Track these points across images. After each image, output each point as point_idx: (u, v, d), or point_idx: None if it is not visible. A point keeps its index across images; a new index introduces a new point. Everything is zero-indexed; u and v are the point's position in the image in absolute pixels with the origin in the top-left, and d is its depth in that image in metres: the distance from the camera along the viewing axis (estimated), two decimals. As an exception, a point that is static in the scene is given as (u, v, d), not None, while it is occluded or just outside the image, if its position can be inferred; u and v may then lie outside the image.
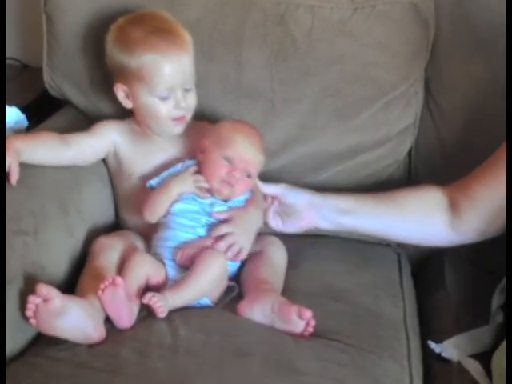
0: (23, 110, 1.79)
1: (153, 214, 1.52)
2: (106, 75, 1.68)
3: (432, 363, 1.43)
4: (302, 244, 1.67)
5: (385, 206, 1.53)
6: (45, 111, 1.79)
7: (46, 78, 1.76)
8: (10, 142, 1.44)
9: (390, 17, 1.62)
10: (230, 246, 1.46)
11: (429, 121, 1.73)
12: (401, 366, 1.37)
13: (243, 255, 1.48)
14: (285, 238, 1.59)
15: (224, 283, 1.46)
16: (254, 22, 1.62)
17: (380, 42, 1.63)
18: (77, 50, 1.70)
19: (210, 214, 1.51)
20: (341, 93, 1.66)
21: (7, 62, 2.05)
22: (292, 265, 1.57)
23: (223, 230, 1.47)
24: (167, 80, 1.50)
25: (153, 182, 1.54)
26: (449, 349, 1.41)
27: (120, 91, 1.56)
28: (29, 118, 1.77)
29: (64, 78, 1.74)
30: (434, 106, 1.73)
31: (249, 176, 1.52)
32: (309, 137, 1.70)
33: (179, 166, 1.55)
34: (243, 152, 1.50)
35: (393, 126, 1.71)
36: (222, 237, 1.47)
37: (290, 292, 1.47)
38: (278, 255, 1.55)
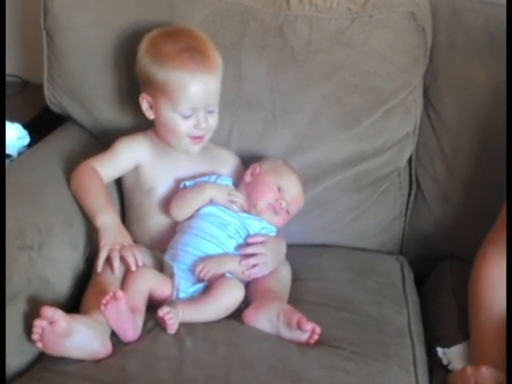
0: (25, 126, 1.80)
1: (181, 211, 1.53)
2: (106, 90, 1.70)
3: (437, 369, 1.43)
4: (305, 254, 1.68)
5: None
6: (46, 127, 1.80)
7: (47, 94, 1.76)
8: None
9: (387, 26, 1.63)
10: (255, 265, 1.48)
11: (428, 128, 1.74)
12: (407, 372, 1.37)
13: (257, 276, 1.49)
14: (288, 248, 1.59)
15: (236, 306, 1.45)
16: (252, 33, 1.64)
17: (378, 51, 1.64)
18: (77, 66, 1.71)
19: (243, 223, 1.53)
20: (340, 102, 1.67)
21: (8, 78, 2.06)
22: (296, 275, 1.58)
23: (259, 249, 1.50)
24: (191, 100, 1.51)
25: (187, 183, 1.56)
26: (454, 358, 1.41)
27: (144, 101, 1.56)
28: (31, 134, 1.78)
29: (64, 93, 1.74)
30: (433, 113, 1.74)
31: (287, 212, 1.57)
32: (309, 147, 1.71)
33: (214, 178, 1.59)
34: (295, 188, 1.60)
35: (393, 134, 1.72)
36: (252, 254, 1.49)
37: (294, 302, 1.47)
38: (283, 268, 1.56)
